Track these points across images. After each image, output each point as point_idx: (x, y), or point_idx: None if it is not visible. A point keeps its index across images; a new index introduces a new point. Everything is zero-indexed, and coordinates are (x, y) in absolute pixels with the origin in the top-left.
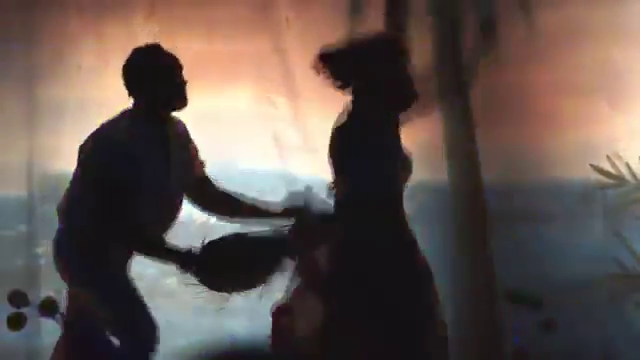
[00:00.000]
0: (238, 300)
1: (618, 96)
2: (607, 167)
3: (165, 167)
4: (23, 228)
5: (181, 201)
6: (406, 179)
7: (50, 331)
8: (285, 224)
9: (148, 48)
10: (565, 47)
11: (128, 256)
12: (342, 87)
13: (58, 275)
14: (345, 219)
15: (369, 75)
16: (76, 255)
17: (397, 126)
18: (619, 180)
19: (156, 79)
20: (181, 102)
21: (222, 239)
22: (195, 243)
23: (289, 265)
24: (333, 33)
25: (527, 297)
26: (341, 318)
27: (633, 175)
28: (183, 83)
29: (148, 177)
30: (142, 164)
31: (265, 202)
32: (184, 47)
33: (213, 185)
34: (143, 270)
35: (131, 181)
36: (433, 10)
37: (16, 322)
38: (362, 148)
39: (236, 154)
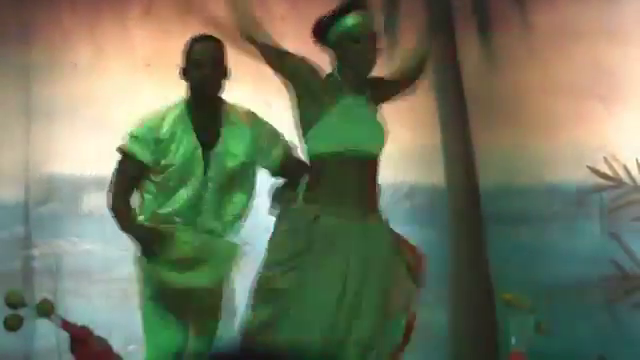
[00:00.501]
0: (236, 301)
1: (615, 97)
2: (604, 169)
3: (202, 153)
4: (19, 230)
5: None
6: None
7: (46, 332)
8: None
9: (192, 39)
10: (561, 47)
11: None
12: None
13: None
14: None
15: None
16: None
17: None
18: (616, 182)
19: (190, 68)
20: (205, 89)
21: None
22: None
23: None
24: None
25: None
26: None
27: (630, 177)
28: (212, 72)
29: (180, 159)
30: (177, 149)
31: None
32: (179, 45)
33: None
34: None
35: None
36: (429, 8)
37: (13, 323)
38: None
39: None
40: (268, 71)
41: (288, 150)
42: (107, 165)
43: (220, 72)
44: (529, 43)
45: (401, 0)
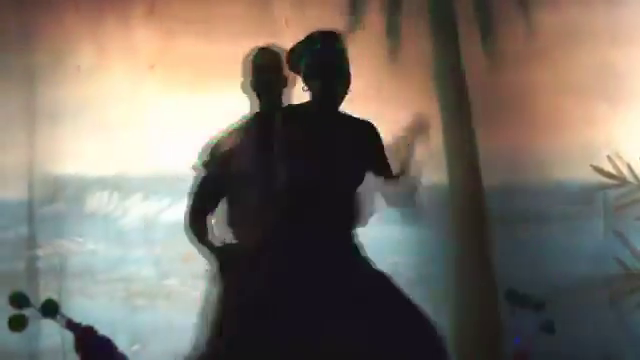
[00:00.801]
0: None
1: (618, 96)
2: (608, 168)
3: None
4: (23, 230)
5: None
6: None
7: (51, 332)
8: None
9: (252, 51)
10: (565, 48)
11: None
12: None
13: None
14: None
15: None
16: None
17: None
18: (620, 180)
19: (254, 77)
20: (268, 92)
21: None
22: None
23: None
24: None
25: (528, 298)
26: None
27: (634, 176)
28: (274, 77)
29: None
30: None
31: None
32: (183, 46)
33: None
34: (141, 272)
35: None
36: (432, 10)
37: (18, 323)
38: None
39: None
40: None
41: None
42: (111, 165)
43: (280, 79)
44: (532, 43)
45: (403, 1)
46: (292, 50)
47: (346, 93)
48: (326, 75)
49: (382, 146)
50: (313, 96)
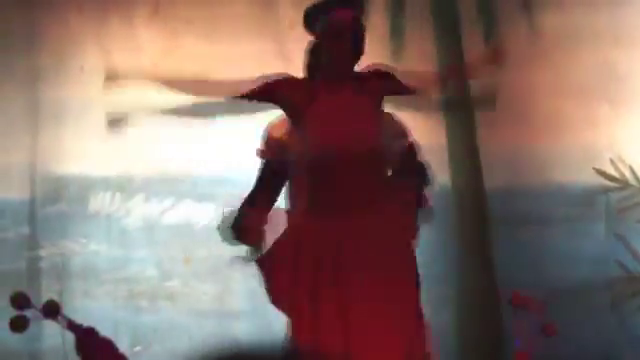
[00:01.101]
0: (241, 302)
1: (621, 98)
2: (610, 170)
3: None
4: (25, 230)
5: None
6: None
7: (52, 333)
8: None
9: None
10: (567, 49)
11: None
12: None
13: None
14: None
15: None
16: None
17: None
18: (622, 183)
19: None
20: None
21: None
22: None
23: None
24: None
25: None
26: None
27: (636, 178)
28: None
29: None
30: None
31: None
32: (186, 47)
33: None
34: (144, 272)
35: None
36: (435, 11)
37: (19, 324)
38: None
39: (238, 154)
40: (272, 72)
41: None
42: (114, 166)
43: None
44: (536, 45)
45: (407, 3)
46: (307, 12)
47: (359, 57)
48: (338, 40)
49: (395, 79)
50: (326, 61)
